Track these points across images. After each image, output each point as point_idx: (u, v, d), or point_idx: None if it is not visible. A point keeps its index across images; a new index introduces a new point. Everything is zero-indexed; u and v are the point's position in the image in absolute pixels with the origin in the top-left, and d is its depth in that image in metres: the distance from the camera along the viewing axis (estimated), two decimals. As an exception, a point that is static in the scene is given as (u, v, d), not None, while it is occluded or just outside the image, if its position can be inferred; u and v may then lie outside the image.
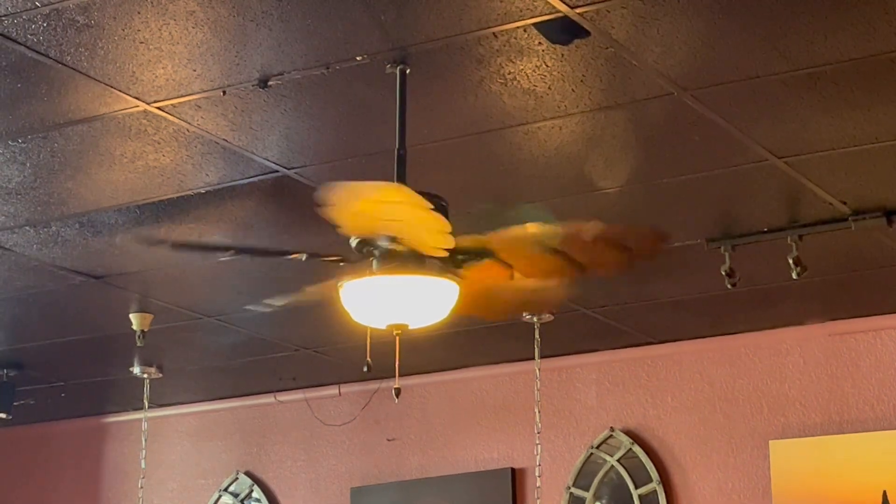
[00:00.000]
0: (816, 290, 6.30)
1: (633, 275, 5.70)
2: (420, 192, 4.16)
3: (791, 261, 5.60)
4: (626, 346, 7.22)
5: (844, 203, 5.37)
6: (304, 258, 4.42)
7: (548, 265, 4.43)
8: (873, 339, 6.72)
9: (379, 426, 7.86)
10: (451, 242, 4.06)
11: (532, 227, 4.21)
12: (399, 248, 4.08)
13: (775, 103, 4.57)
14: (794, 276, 5.62)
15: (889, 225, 5.46)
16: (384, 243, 4.09)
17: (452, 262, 4.18)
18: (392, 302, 4.20)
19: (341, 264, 4.31)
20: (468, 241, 4.16)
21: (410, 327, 4.28)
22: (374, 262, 4.17)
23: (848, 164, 5.02)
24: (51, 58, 4.21)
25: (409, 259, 4.12)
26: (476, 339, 7.02)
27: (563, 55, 4.24)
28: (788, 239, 5.60)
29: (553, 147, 4.88)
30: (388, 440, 7.83)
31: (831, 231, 5.55)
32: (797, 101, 4.55)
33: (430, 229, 3.98)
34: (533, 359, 6.83)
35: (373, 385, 7.75)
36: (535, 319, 6.61)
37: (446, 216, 4.06)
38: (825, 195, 5.29)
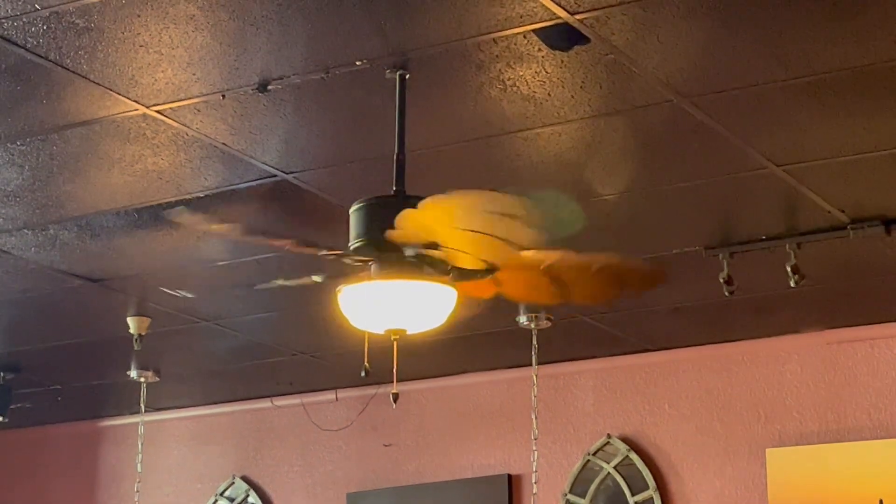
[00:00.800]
0: (814, 299, 6.30)
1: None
2: (418, 198, 4.16)
3: (789, 269, 5.59)
4: (623, 353, 7.21)
5: (843, 211, 5.37)
6: (331, 257, 4.37)
7: (539, 290, 4.44)
8: (871, 348, 6.72)
9: (376, 431, 7.85)
10: (515, 255, 4.06)
11: (546, 254, 4.19)
12: (435, 255, 4.06)
13: (774, 111, 4.57)
14: (792, 284, 5.62)
15: (887, 234, 5.46)
16: (414, 250, 4.06)
17: (454, 273, 4.16)
18: (390, 307, 4.19)
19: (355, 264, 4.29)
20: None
21: (408, 332, 4.27)
22: (373, 267, 4.16)
23: (847, 172, 5.02)
24: (50, 60, 4.21)
25: (408, 264, 4.11)
26: (473, 345, 7.02)
27: (562, 61, 4.23)
28: (787, 247, 5.60)
29: (552, 153, 4.88)
30: (385, 445, 7.83)
31: (830, 239, 5.55)
32: (796, 109, 4.55)
33: (510, 240, 3.96)
34: (530, 365, 6.82)
35: (370, 390, 7.75)
36: (532, 325, 6.60)
37: None
38: (824, 203, 5.29)
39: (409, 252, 4.06)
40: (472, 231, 3.91)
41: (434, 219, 3.89)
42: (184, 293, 5.04)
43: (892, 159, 4.91)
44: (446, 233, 3.94)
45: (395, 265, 4.11)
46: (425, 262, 4.09)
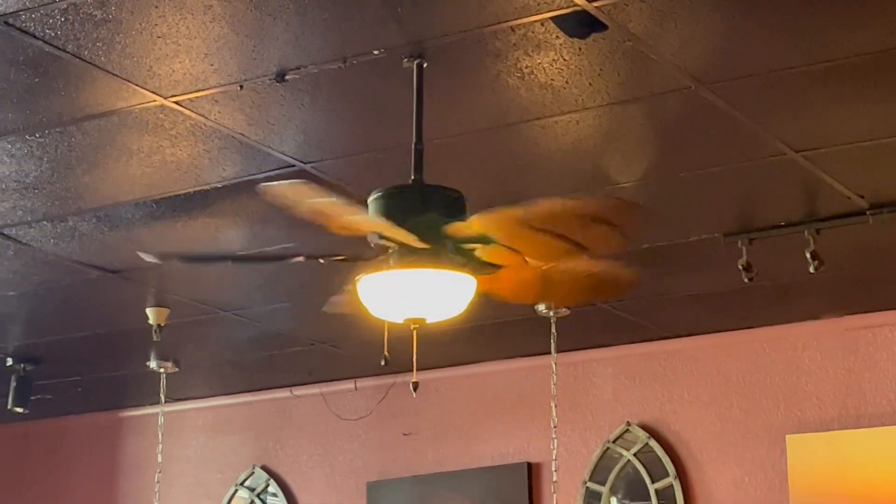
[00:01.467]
0: (833, 285, 6.29)
1: (650, 269, 5.71)
2: (437, 187, 4.17)
3: (808, 255, 5.59)
4: (642, 341, 7.21)
5: (862, 197, 5.36)
6: (324, 261, 4.39)
7: (528, 290, 4.46)
8: (890, 334, 6.71)
9: (395, 420, 7.86)
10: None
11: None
12: (479, 248, 4.07)
13: (793, 97, 4.56)
14: (811, 270, 5.61)
15: (906, 219, 5.45)
16: (453, 243, 4.07)
17: (471, 265, 4.16)
18: (409, 296, 4.19)
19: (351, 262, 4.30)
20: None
21: (428, 321, 4.27)
22: (392, 257, 4.16)
23: (866, 157, 5.01)
24: (68, 52, 4.22)
25: (427, 253, 4.11)
26: (492, 334, 7.02)
27: (580, 49, 4.23)
28: (805, 233, 5.59)
29: (570, 141, 4.87)
30: (404, 434, 7.83)
31: (848, 225, 5.54)
32: (815, 95, 4.54)
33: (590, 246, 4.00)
34: (549, 353, 6.81)
35: (389, 379, 7.75)
36: (551, 314, 6.60)
37: (464, 211, 4.07)
38: (843, 189, 5.28)
39: (449, 245, 4.06)
40: (556, 236, 3.93)
41: (524, 220, 3.89)
42: (176, 260, 5.03)
43: (911, 144, 4.91)
44: (521, 234, 3.94)
45: (415, 254, 4.11)
46: (454, 252, 4.08)
